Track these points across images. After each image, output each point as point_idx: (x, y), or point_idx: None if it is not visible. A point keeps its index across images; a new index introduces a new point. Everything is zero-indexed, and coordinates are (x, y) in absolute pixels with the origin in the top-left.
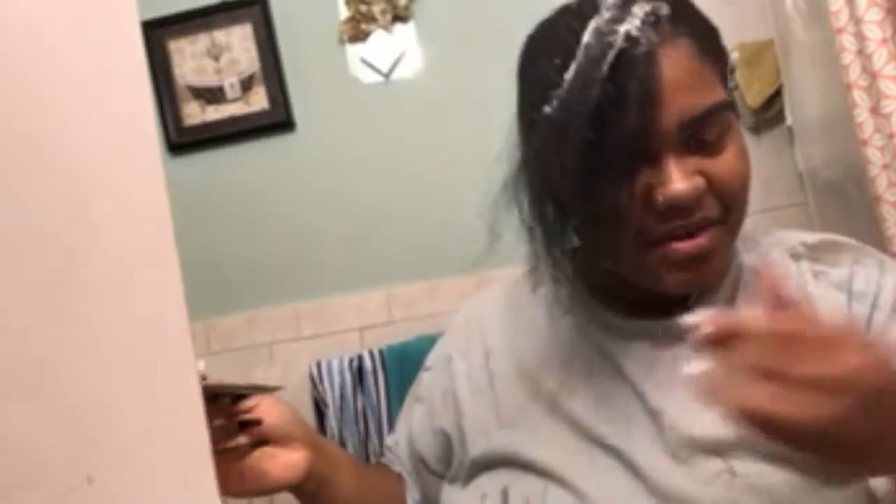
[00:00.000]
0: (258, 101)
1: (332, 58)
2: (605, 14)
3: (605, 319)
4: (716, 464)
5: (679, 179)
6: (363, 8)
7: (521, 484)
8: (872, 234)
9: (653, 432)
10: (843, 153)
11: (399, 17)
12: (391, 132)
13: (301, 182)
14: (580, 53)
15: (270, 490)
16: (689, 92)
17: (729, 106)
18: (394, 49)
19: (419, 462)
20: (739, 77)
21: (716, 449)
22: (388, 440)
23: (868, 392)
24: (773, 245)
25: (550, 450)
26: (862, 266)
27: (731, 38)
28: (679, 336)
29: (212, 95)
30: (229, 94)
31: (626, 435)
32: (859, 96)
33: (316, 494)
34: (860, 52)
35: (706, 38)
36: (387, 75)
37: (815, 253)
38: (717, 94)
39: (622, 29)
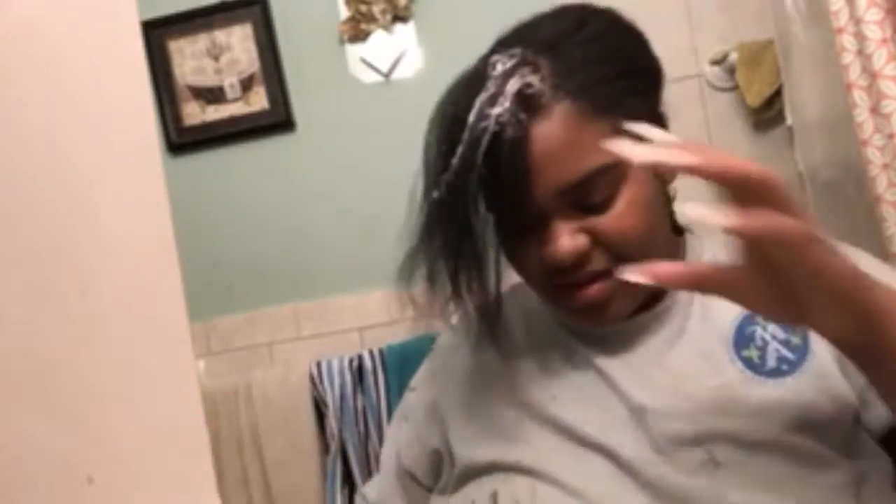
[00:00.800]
0: (258, 101)
1: (332, 58)
2: (485, 94)
3: (577, 327)
4: (698, 454)
5: (559, 241)
6: (363, 8)
7: (509, 486)
8: (872, 234)
9: (637, 429)
10: (843, 153)
11: (399, 17)
12: (391, 132)
13: (301, 182)
14: (465, 137)
15: None
16: (563, 162)
17: (610, 168)
18: (394, 49)
19: (406, 476)
20: (739, 77)
21: (697, 440)
22: (362, 489)
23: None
24: None
25: (538, 451)
26: None
27: (731, 38)
28: (650, 330)
29: (212, 95)
30: (229, 94)
31: (612, 433)
32: (859, 96)
33: None
34: (860, 52)
35: (605, 89)
36: (387, 75)
37: None
38: (598, 157)
39: (494, 112)
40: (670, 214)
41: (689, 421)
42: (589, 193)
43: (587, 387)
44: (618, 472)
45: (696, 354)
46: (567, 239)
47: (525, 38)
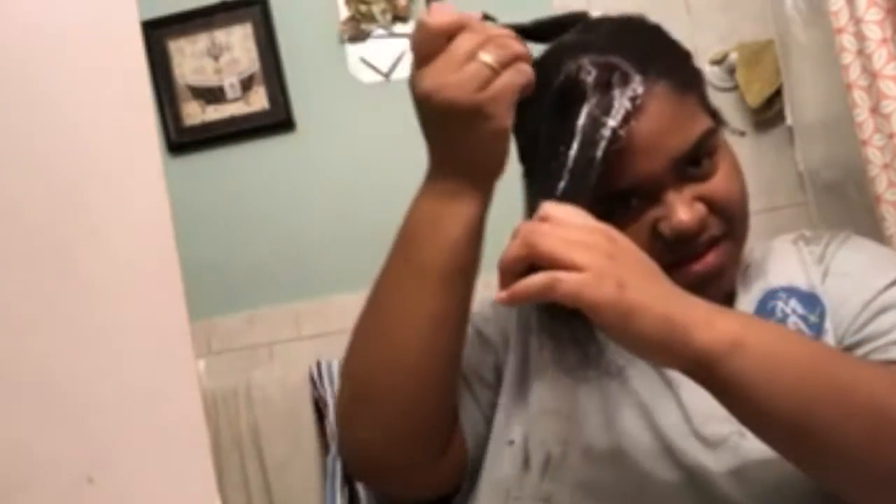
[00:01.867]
0: (258, 101)
1: (332, 58)
2: (593, 99)
3: None
4: (727, 426)
5: (682, 211)
6: (363, 8)
7: (540, 433)
8: (872, 234)
9: (672, 401)
10: (843, 153)
11: (399, 17)
12: (391, 132)
13: (301, 182)
14: (577, 136)
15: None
16: (673, 133)
17: (712, 131)
18: (394, 49)
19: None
20: (739, 77)
21: (727, 414)
22: None
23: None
24: (777, 239)
25: (572, 409)
26: (832, 243)
27: (731, 38)
28: None
29: (212, 95)
30: (229, 93)
31: (651, 401)
32: (859, 96)
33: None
34: (860, 52)
35: (680, 70)
36: (387, 75)
37: (809, 239)
38: (699, 125)
39: (610, 124)
40: None
41: None
42: (698, 160)
43: (626, 364)
44: (653, 443)
45: None
46: (686, 208)
47: (582, 49)
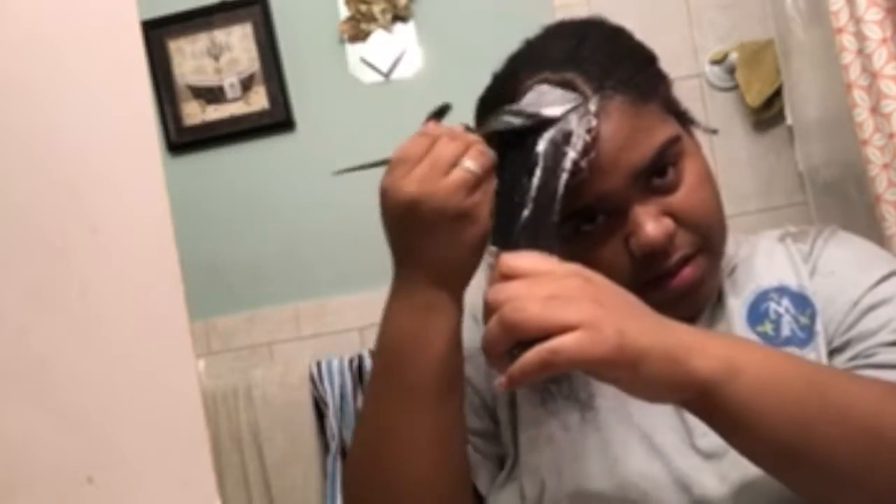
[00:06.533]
0: (258, 100)
1: (332, 58)
2: (551, 129)
3: None
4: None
5: (649, 226)
6: (363, 8)
7: (533, 461)
8: (872, 234)
9: (669, 412)
10: (843, 153)
11: (399, 16)
12: (391, 132)
13: (301, 182)
14: (539, 164)
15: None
16: (632, 148)
17: (674, 140)
18: (394, 49)
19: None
20: (739, 77)
21: None
22: None
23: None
24: (763, 237)
25: (566, 429)
26: (818, 239)
27: (731, 38)
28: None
29: (212, 95)
30: (229, 93)
31: (646, 413)
32: (859, 96)
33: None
34: (860, 51)
35: (638, 79)
36: (387, 75)
37: (796, 236)
38: (659, 135)
39: (570, 155)
40: None
41: None
42: (660, 171)
43: None
44: (648, 455)
45: None
46: (653, 223)
47: (539, 61)
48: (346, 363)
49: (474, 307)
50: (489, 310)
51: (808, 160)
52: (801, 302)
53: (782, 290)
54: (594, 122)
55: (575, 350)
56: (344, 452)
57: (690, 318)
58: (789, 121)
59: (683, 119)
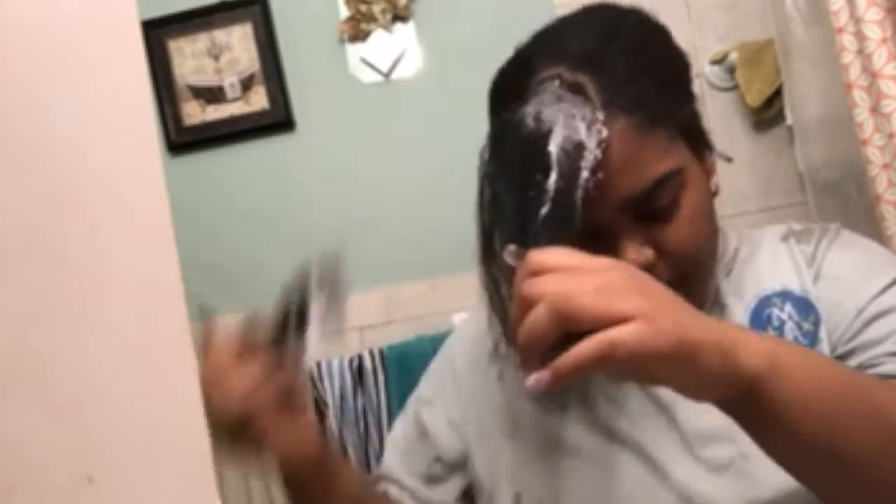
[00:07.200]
0: (258, 100)
1: (332, 58)
2: (562, 131)
3: None
4: (728, 450)
5: (629, 253)
6: (363, 8)
7: (532, 485)
8: (872, 234)
9: (666, 424)
10: (843, 153)
11: (399, 16)
12: (391, 132)
13: (301, 182)
14: (555, 162)
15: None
16: (626, 175)
17: (676, 173)
18: (394, 49)
19: (437, 463)
20: (739, 77)
21: (728, 435)
22: (381, 469)
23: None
24: (766, 234)
25: (563, 449)
26: (823, 240)
27: (731, 38)
28: None
29: (212, 95)
30: (229, 93)
31: (641, 427)
32: (859, 96)
33: (320, 481)
34: (860, 51)
35: (653, 101)
36: (387, 75)
37: (799, 236)
38: (661, 166)
39: (585, 172)
40: None
41: (719, 413)
42: (653, 201)
43: (614, 385)
44: (646, 468)
45: None
46: (633, 253)
47: (559, 52)
48: (345, 363)
49: (472, 334)
50: (526, 305)
51: (808, 160)
52: (805, 307)
53: (785, 295)
54: (605, 134)
55: (637, 342)
56: (344, 452)
57: None
58: (789, 121)
59: (698, 142)
